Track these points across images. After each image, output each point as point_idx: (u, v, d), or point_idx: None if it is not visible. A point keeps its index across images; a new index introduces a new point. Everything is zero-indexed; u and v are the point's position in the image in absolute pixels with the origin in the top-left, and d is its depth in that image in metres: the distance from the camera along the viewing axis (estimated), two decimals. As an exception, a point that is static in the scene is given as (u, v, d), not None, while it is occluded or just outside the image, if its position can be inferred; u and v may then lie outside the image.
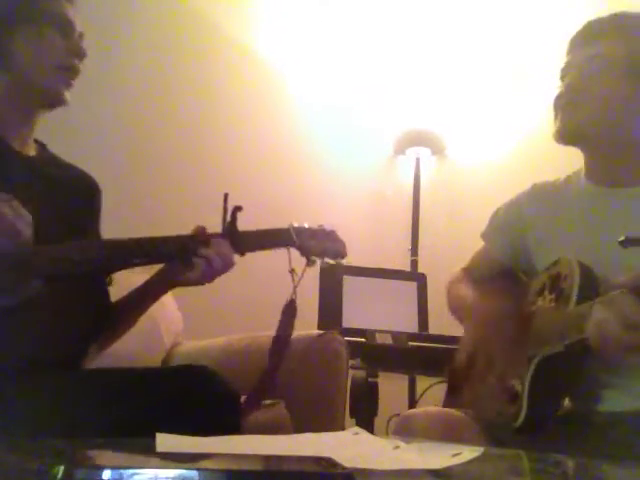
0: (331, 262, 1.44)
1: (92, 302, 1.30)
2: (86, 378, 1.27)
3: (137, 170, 2.64)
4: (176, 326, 2.28)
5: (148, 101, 2.69)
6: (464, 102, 2.91)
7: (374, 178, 3.03)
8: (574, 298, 1.21)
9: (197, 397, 1.17)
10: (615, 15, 1.31)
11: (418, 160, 2.94)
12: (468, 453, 0.92)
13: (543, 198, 1.44)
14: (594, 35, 1.32)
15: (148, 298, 1.43)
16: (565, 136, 1.33)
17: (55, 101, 1.34)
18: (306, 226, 1.42)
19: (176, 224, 1.33)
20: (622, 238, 1.13)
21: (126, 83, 2.62)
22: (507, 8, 2.92)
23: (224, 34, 2.81)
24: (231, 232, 1.32)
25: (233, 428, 1.19)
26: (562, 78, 1.37)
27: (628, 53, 1.27)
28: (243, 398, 1.30)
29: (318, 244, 1.42)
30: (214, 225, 1.33)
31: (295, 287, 1.37)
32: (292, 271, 1.38)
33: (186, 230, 1.32)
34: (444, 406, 1.51)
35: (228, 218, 1.32)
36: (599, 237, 1.29)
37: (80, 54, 1.33)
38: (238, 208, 1.33)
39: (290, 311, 1.37)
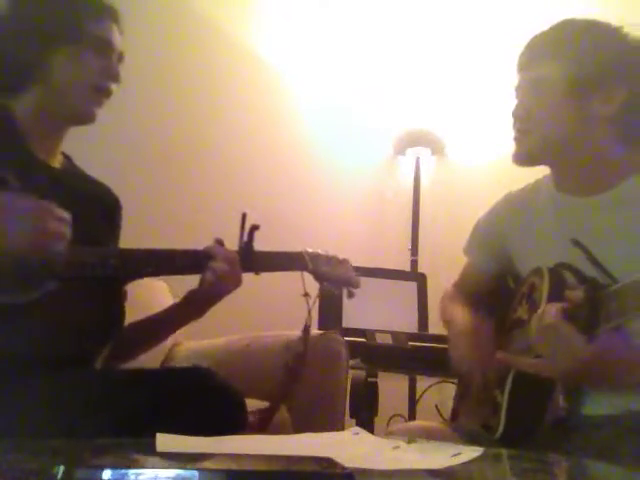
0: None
1: (104, 304, 1.30)
2: (92, 377, 1.27)
3: (131, 170, 2.64)
4: (176, 326, 2.28)
5: (148, 101, 2.69)
6: (464, 102, 2.91)
7: (374, 178, 3.03)
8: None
9: (203, 400, 1.17)
10: (554, 30, 1.34)
11: (418, 160, 2.94)
12: (468, 453, 0.92)
13: (516, 208, 1.45)
14: (535, 56, 1.35)
15: (174, 320, 1.46)
16: (521, 161, 1.38)
17: (85, 119, 1.35)
18: (320, 252, 1.45)
19: (179, 230, 1.33)
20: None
21: (127, 87, 2.62)
22: (507, 9, 2.93)
23: (225, 35, 2.81)
24: (247, 251, 1.34)
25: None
26: (516, 98, 1.40)
27: (566, 72, 1.28)
28: (254, 410, 1.31)
29: (332, 271, 1.45)
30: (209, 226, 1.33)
31: (310, 312, 1.39)
32: (306, 295, 1.39)
33: (193, 240, 1.34)
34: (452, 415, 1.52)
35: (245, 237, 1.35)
36: (570, 246, 1.28)
37: (116, 77, 1.35)
38: (255, 227, 1.35)
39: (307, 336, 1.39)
